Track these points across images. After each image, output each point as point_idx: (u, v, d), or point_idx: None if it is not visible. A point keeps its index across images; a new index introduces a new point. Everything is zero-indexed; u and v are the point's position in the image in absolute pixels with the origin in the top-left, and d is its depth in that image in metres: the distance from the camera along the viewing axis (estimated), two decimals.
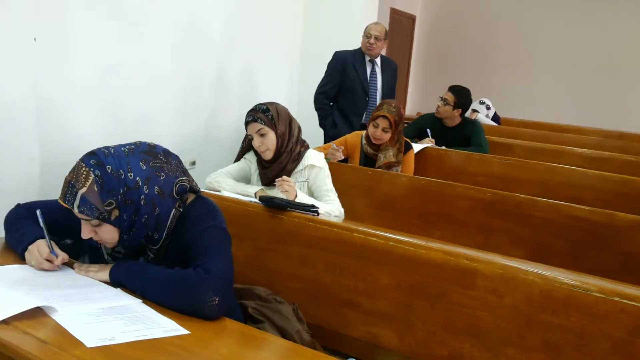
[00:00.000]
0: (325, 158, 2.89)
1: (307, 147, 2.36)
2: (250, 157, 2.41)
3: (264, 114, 2.20)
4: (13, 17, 2.15)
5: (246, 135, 2.32)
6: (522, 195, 2.37)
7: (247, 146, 2.42)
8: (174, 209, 1.39)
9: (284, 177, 2.15)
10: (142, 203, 1.32)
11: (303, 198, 2.15)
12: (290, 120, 2.29)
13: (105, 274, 1.36)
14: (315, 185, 2.31)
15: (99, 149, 1.34)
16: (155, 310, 1.21)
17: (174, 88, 3.52)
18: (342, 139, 3.21)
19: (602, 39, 6.80)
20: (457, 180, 3.32)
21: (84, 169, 1.28)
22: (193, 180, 1.48)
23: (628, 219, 2.17)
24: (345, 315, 1.75)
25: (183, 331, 1.12)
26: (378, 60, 3.90)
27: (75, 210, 1.28)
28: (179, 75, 3.55)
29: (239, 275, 1.88)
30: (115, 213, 1.29)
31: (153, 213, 1.34)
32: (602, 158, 3.70)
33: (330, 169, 2.73)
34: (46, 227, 1.43)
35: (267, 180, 2.28)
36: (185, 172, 1.45)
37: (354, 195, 2.72)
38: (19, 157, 2.28)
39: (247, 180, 2.42)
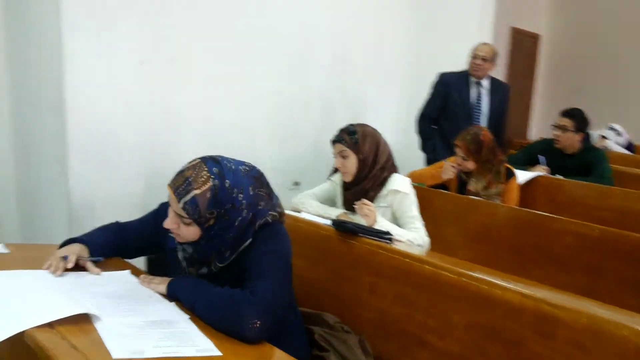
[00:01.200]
0: (441, 176, 2.79)
1: (395, 171, 2.27)
2: (336, 178, 2.37)
3: (349, 136, 2.17)
4: (119, 43, 2.36)
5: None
6: (638, 235, 2.05)
7: (335, 167, 2.39)
8: (250, 238, 1.41)
9: (364, 200, 2.08)
10: (235, 224, 1.37)
11: (384, 224, 2.07)
12: (377, 145, 2.22)
13: (163, 287, 1.40)
14: (399, 212, 2.20)
15: (222, 158, 1.41)
16: (200, 328, 1.21)
17: (279, 108, 3.63)
18: (442, 162, 3.06)
19: None
20: (573, 214, 2.99)
21: (205, 172, 1.34)
22: (281, 213, 1.51)
23: None
24: (413, 353, 1.63)
25: (215, 352, 1.10)
26: (486, 83, 3.69)
27: (180, 204, 1.33)
28: (284, 95, 3.66)
29: (309, 299, 1.86)
30: (210, 222, 1.35)
31: (237, 234, 1.38)
32: None
33: (422, 194, 2.62)
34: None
35: (349, 203, 2.23)
36: (275, 206, 1.48)
37: (445, 224, 2.56)
38: (125, 173, 2.48)
39: (332, 202, 2.39)
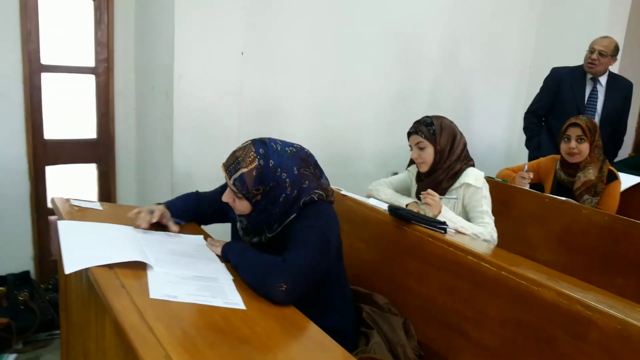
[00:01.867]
0: (513, 184, 2.72)
1: (471, 165, 2.27)
2: (412, 169, 2.43)
3: (427, 127, 2.21)
4: (224, 35, 2.61)
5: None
6: None
7: (411, 159, 2.44)
8: (294, 213, 1.56)
9: (429, 190, 2.12)
10: (280, 199, 1.53)
11: (448, 215, 2.08)
12: (454, 137, 2.23)
13: (219, 249, 1.60)
14: (470, 206, 2.20)
15: (271, 140, 1.57)
16: (238, 287, 1.37)
17: (384, 102, 3.70)
18: (535, 162, 2.94)
19: None
20: None
21: (252, 153, 1.51)
22: (328, 193, 1.64)
23: None
24: (453, 341, 1.66)
25: (241, 306, 1.26)
26: (603, 79, 3.42)
27: (230, 181, 1.53)
28: (390, 90, 3.72)
29: (364, 278, 1.97)
30: (258, 197, 1.52)
31: (283, 209, 1.54)
32: None
33: (505, 191, 2.57)
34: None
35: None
36: (322, 186, 1.62)
37: (528, 224, 2.48)
38: (221, 151, 2.74)
39: (407, 192, 2.44)
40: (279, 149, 1.54)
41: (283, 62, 3.09)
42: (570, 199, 2.51)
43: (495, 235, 2.12)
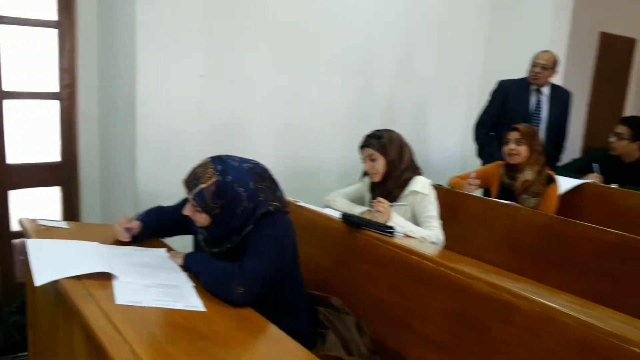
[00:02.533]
0: (461, 190, 2.91)
1: (419, 173, 2.44)
2: (366, 180, 2.59)
3: (377, 140, 2.37)
4: (184, 58, 2.74)
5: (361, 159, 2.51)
6: None
7: (364, 171, 2.61)
8: (251, 225, 1.67)
9: (379, 198, 2.28)
10: (237, 212, 1.65)
11: (398, 221, 2.24)
12: (402, 147, 2.41)
13: (181, 260, 1.71)
14: (418, 211, 2.37)
15: (228, 157, 1.69)
16: (198, 293, 1.49)
17: (342, 116, 3.81)
18: (482, 168, 3.15)
19: None
20: (619, 224, 2.93)
21: (211, 169, 1.63)
22: (284, 205, 1.76)
23: None
24: (402, 336, 1.80)
25: (201, 309, 1.38)
26: (546, 90, 3.67)
27: (190, 195, 1.64)
28: (348, 104, 3.84)
29: (320, 283, 2.10)
30: (216, 211, 1.64)
31: (240, 221, 1.66)
32: None
33: (454, 198, 2.75)
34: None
35: None
36: (277, 198, 1.74)
37: (474, 227, 2.66)
38: (183, 171, 2.85)
39: (362, 201, 2.60)
40: (236, 165, 1.66)
41: (243, 82, 3.22)
42: (513, 202, 2.71)
43: (441, 237, 2.29)
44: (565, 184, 3.03)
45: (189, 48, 2.79)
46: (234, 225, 1.66)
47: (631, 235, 2.12)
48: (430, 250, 1.88)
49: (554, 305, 1.40)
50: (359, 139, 2.56)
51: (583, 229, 2.26)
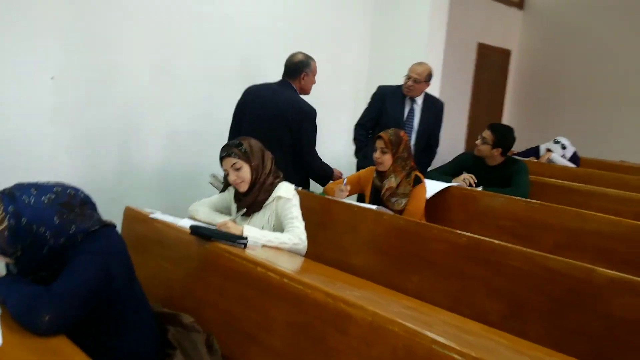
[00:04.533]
0: (334, 196, 2.91)
1: (281, 179, 2.40)
2: (232, 189, 2.50)
3: (238, 148, 2.30)
4: (32, 60, 2.51)
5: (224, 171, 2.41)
6: (495, 242, 2.15)
7: (228, 181, 2.51)
8: (71, 251, 1.48)
9: (220, 222, 2.17)
10: (44, 252, 1.45)
11: (252, 232, 2.16)
12: (263, 153, 2.36)
13: None
14: (282, 215, 2.33)
15: (23, 192, 1.45)
16: (2, 322, 1.32)
17: (228, 122, 3.75)
18: (355, 174, 3.19)
19: None
20: (480, 223, 3.09)
21: (1, 211, 1.41)
22: (106, 224, 1.57)
23: (607, 276, 1.87)
24: (251, 349, 1.74)
25: None
26: (419, 100, 3.81)
27: None
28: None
29: (173, 299, 1.98)
30: (18, 254, 1.45)
31: (50, 259, 1.47)
32: None
33: (324, 204, 2.75)
34: None
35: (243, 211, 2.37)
36: (96, 222, 1.54)
37: (342, 231, 2.67)
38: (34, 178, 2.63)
39: (228, 211, 2.51)
40: (32, 201, 1.44)
41: (99, 85, 3.02)
42: (381, 207, 2.76)
43: (304, 236, 2.24)
44: (432, 187, 3.14)
45: (39, 48, 2.56)
46: (44, 262, 1.48)
47: (477, 237, 2.20)
48: (282, 261, 1.83)
49: (383, 313, 1.40)
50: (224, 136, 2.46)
51: (438, 232, 2.32)
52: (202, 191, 3.21)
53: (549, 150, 4.88)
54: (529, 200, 3.02)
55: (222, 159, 2.33)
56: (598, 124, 6.69)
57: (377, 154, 2.90)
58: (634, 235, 2.56)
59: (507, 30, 7.31)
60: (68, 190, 1.53)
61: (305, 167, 3.18)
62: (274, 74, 3.99)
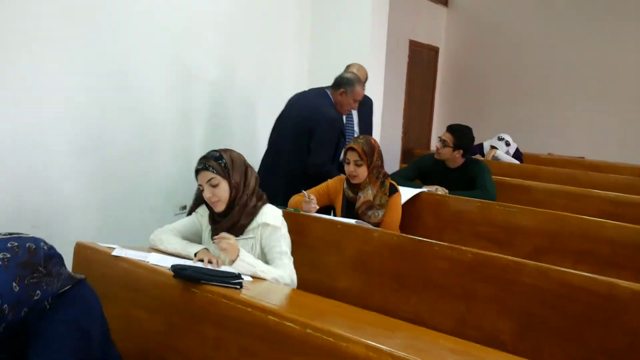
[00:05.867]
0: (302, 210, 2.62)
1: (265, 202, 2.09)
2: (202, 211, 2.15)
3: (217, 162, 1.97)
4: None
5: (198, 186, 2.07)
6: (508, 257, 1.99)
7: (199, 198, 2.15)
8: (36, 323, 1.19)
9: (223, 234, 1.89)
10: (2, 328, 1.12)
11: (248, 259, 1.87)
12: (246, 169, 2.04)
13: None
14: (268, 246, 2.02)
15: None
16: None
17: (165, 128, 3.39)
18: (323, 185, 2.91)
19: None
20: (456, 230, 2.96)
21: None
22: (75, 278, 1.30)
23: (630, 289, 1.77)
24: None
25: None
26: None
27: None
28: (171, 115, 3.43)
29: (150, 354, 1.63)
30: None
31: (12, 332, 1.16)
32: (631, 202, 3.24)
33: (297, 220, 2.46)
34: None
35: None
36: (65, 280, 1.26)
37: (324, 251, 2.41)
38: None
39: (198, 237, 2.16)
40: None
41: (39, 91, 2.56)
42: (360, 221, 2.53)
43: (294, 277, 1.98)
44: (404, 194, 2.96)
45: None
46: (8, 337, 1.16)
47: (486, 253, 2.03)
48: (291, 306, 1.54)
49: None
50: (190, 151, 2.15)
51: (439, 248, 2.13)
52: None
53: (493, 147, 4.90)
54: (504, 203, 2.92)
55: (197, 171, 1.99)
56: (523, 118, 6.91)
57: (350, 168, 2.66)
58: (618, 237, 2.53)
59: (434, 28, 7.36)
60: (27, 245, 1.16)
61: (305, 165, 3.10)
62: (214, 77, 3.69)
